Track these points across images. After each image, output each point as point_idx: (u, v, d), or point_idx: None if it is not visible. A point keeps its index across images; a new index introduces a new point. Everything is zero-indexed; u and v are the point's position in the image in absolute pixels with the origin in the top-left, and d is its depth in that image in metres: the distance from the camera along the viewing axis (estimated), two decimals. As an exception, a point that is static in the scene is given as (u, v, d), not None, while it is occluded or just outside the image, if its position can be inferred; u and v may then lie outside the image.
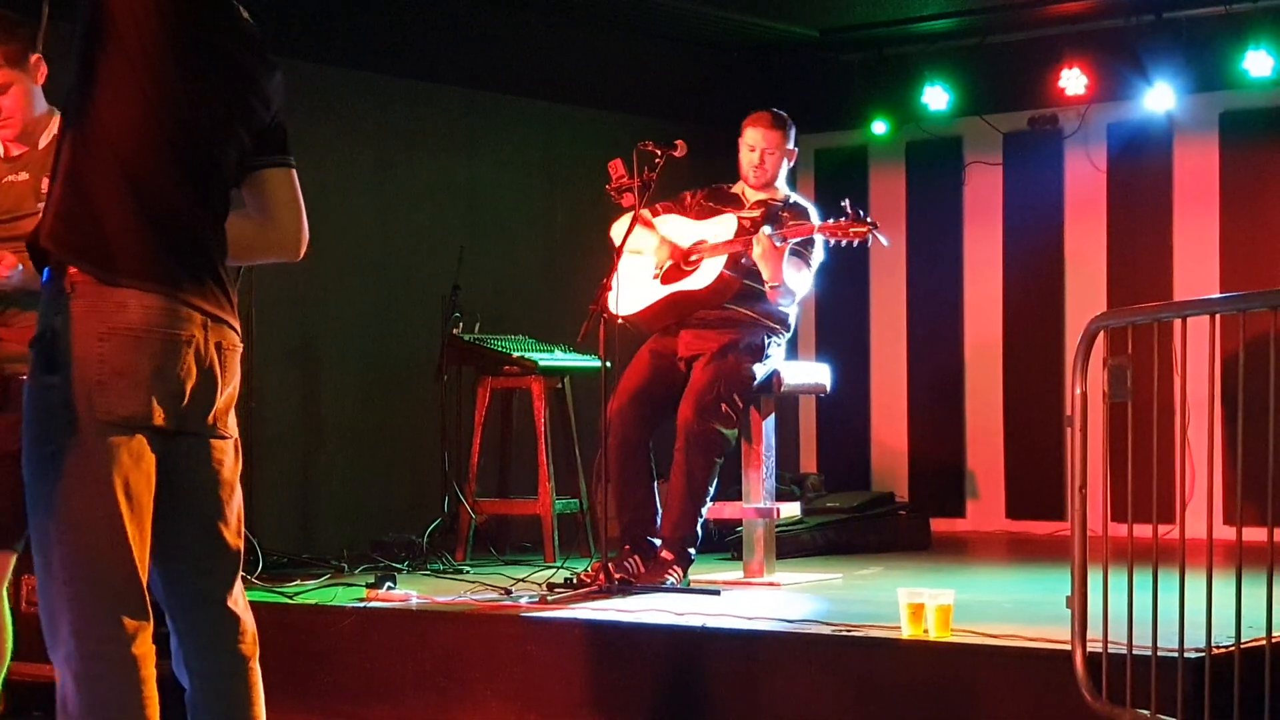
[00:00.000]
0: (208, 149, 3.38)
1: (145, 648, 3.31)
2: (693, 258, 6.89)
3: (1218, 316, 4.37)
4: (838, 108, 10.59)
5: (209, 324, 3.36)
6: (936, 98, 10.15)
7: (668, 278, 6.89)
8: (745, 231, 6.77)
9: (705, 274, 6.81)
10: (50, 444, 3.25)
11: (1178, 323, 4.55)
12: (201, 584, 3.47)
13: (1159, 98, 9.46)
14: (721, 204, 7.01)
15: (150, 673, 3.32)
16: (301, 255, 3.61)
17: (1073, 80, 9.65)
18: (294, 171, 3.59)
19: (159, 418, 3.30)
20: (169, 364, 3.30)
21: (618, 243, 6.96)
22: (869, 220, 6.57)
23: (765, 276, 6.68)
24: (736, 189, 7.05)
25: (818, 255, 6.86)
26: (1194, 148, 9.61)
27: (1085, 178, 9.94)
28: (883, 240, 6.60)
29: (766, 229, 6.63)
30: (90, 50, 3.30)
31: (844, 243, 6.64)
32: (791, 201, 6.98)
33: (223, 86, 3.41)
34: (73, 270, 3.26)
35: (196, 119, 3.36)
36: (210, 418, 3.41)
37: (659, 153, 6.76)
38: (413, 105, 9.01)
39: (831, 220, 6.63)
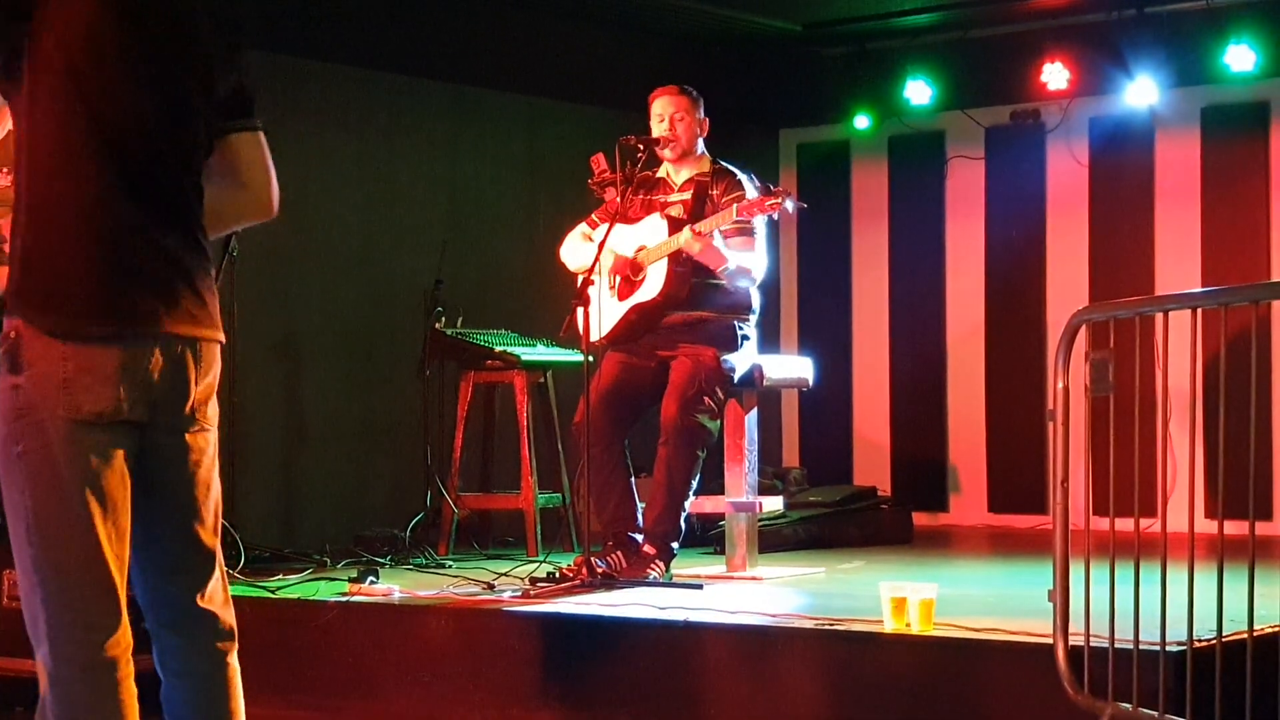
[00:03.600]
0: (161, 147, 3.33)
1: (120, 648, 3.28)
2: (639, 269, 6.86)
3: (1199, 311, 4.37)
4: (820, 102, 10.60)
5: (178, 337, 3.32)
6: (919, 92, 10.16)
7: (623, 292, 6.88)
8: (679, 227, 6.75)
9: (653, 281, 6.80)
10: (18, 445, 3.22)
11: (1159, 317, 4.55)
12: (174, 582, 3.43)
13: (1141, 92, 9.48)
14: (651, 191, 6.98)
15: (127, 672, 3.29)
16: (274, 214, 3.56)
17: (1055, 74, 9.66)
18: (261, 134, 3.53)
19: (128, 411, 3.26)
20: (136, 359, 3.26)
21: (571, 266, 6.99)
22: (780, 189, 6.61)
23: (711, 266, 6.69)
24: (662, 172, 7.03)
25: (761, 226, 6.83)
26: (1175, 142, 9.63)
27: (1067, 172, 9.96)
28: (789, 206, 6.57)
29: (689, 229, 6.62)
30: (20, 89, 3.26)
31: (764, 216, 6.66)
32: (719, 170, 6.94)
33: (163, 77, 3.34)
34: (21, 327, 3.22)
35: (144, 123, 3.30)
36: (187, 408, 3.36)
37: (640, 147, 6.77)
38: (395, 100, 8.99)
39: (745, 200, 6.63)
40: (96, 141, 3.25)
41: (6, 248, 3.83)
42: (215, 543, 3.46)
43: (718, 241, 6.67)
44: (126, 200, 3.26)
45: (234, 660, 3.50)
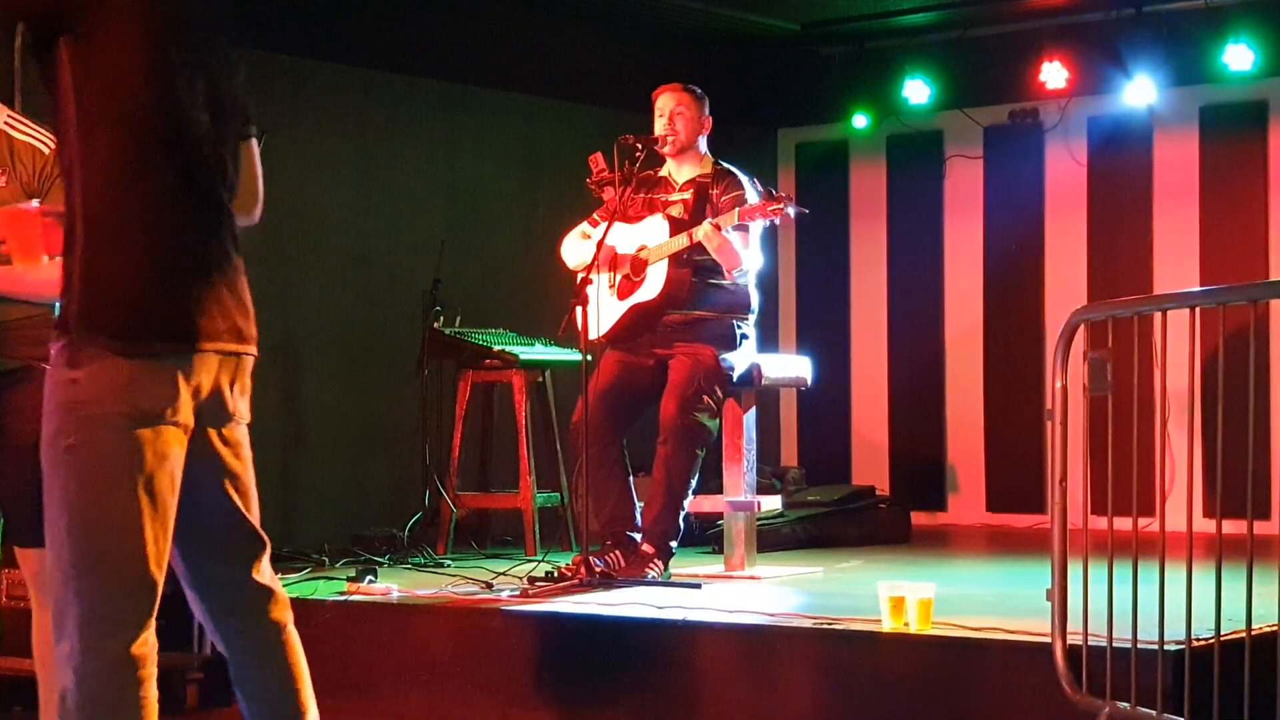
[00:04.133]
0: (207, 159, 3.40)
1: (147, 648, 3.33)
2: (640, 268, 6.86)
3: (1197, 310, 4.37)
4: (818, 101, 10.60)
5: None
6: (917, 91, 10.16)
7: (623, 292, 6.88)
8: (681, 228, 6.75)
9: (654, 281, 6.80)
10: (68, 438, 3.27)
11: (1158, 316, 4.56)
12: (231, 564, 3.54)
13: (1139, 91, 9.48)
14: (652, 190, 6.98)
15: (151, 672, 3.33)
16: (257, 219, 3.63)
17: (1053, 74, 9.66)
18: (254, 140, 3.60)
19: (180, 415, 3.33)
20: (190, 372, 3.35)
21: (570, 264, 6.98)
22: (782, 194, 6.59)
23: (725, 266, 6.70)
24: (663, 171, 7.03)
25: (755, 226, 6.82)
26: (1174, 141, 9.63)
27: (1066, 171, 9.96)
28: (790, 212, 6.57)
29: (707, 222, 6.62)
30: (72, 111, 3.30)
31: (767, 222, 6.65)
32: (720, 171, 6.94)
33: (205, 88, 3.41)
34: (82, 332, 3.29)
35: (193, 136, 3.37)
36: (229, 410, 3.47)
37: (639, 146, 6.77)
38: (393, 99, 8.99)
39: (748, 205, 6.63)
40: (153, 156, 3.31)
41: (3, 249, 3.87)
42: (257, 523, 3.58)
43: (736, 244, 6.66)
44: (181, 215, 3.34)
45: (293, 629, 3.62)
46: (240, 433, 3.54)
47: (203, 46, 3.42)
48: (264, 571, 3.58)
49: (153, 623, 3.34)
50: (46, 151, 4.46)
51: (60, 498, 3.28)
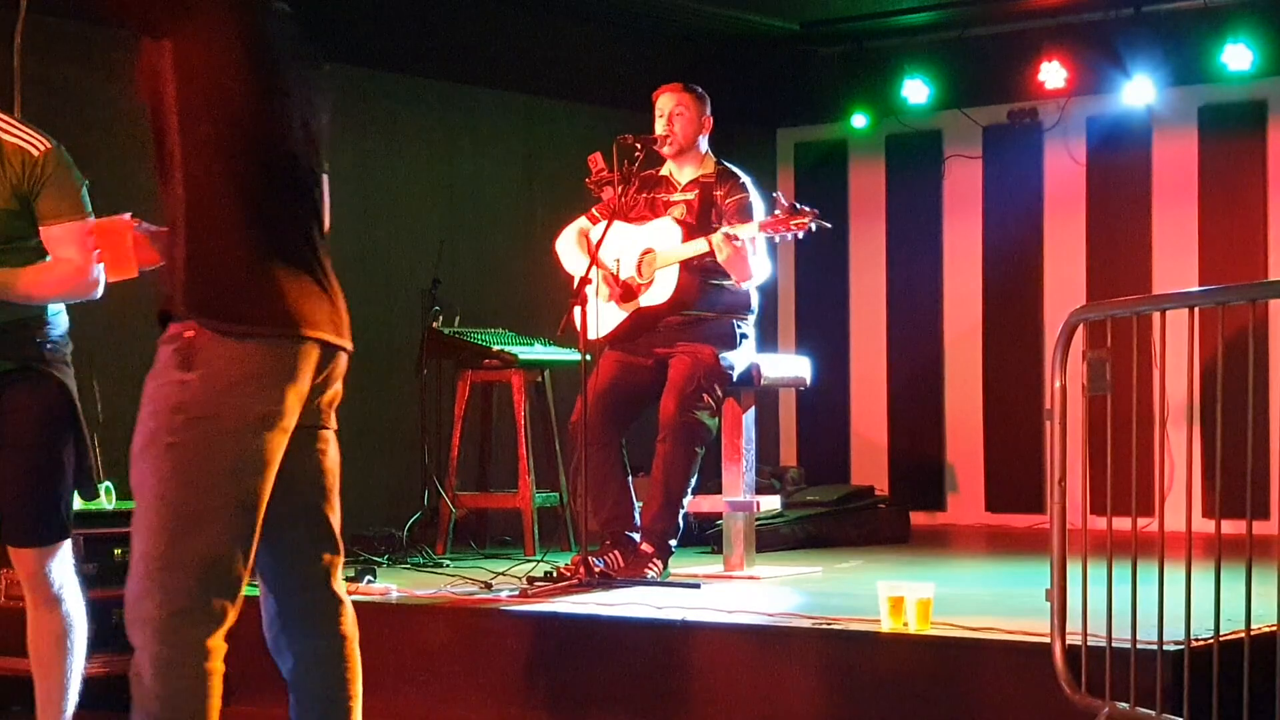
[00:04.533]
0: (304, 156, 3.56)
1: (220, 641, 3.40)
2: (644, 269, 6.84)
3: (1196, 310, 4.37)
4: (817, 101, 10.61)
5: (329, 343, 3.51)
6: (916, 91, 10.16)
7: (627, 294, 6.86)
8: (692, 231, 6.73)
9: (663, 285, 6.78)
10: (172, 436, 3.33)
11: (1157, 316, 4.55)
12: (311, 567, 3.61)
13: (1138, 91, 9.48)
14: (654, 191, 6.97)
15: (221, 667, 3.41)
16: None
17: (1052, 74, 9.66)
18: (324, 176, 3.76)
19: (286, 415, 3.41)
20: (299, 362, 3.44)
21: (566, 265, 6.98)
22: (807, 208, 6.55)
23: (736, 277, 6.69)
24: (664, 171, 7.02)
25: (763, 237, 6.79)
26: (1173, 141, 9.63)
27: (1064, 171, 9.96)
28: (813, 228, 6.53)
29: (723, 231, 6.59)
30: (172, 108, 3.38)
31: (789, 235, 6.61)
32: (723, 172, 6.92)
33: (298, 86, 3.55)
34: (196, 329, 3.37)
35: (293, 135, 3.52)
36: (323, 406, 3.58)
37: (638, 146, 6.76)
38: (391, 99, 8.99)
39: (769, 218, 6.60)
40: (258, 151, 3.43)
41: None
42: (339, 530, 3.67)
43: (746, 253, 6.63)
44: (286, 208, 3.48)
45: (356, 644, 3.70)
46: (330, 435, 3.64)
47: (297, 59, 3.54)
48: (339, 581, 3.66)
49: (231, 618, 3.41)
50: (36, 154, 4.46)
51: (155, 492, 3.34)
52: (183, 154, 3.40)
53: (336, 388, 3.62)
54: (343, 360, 3.60)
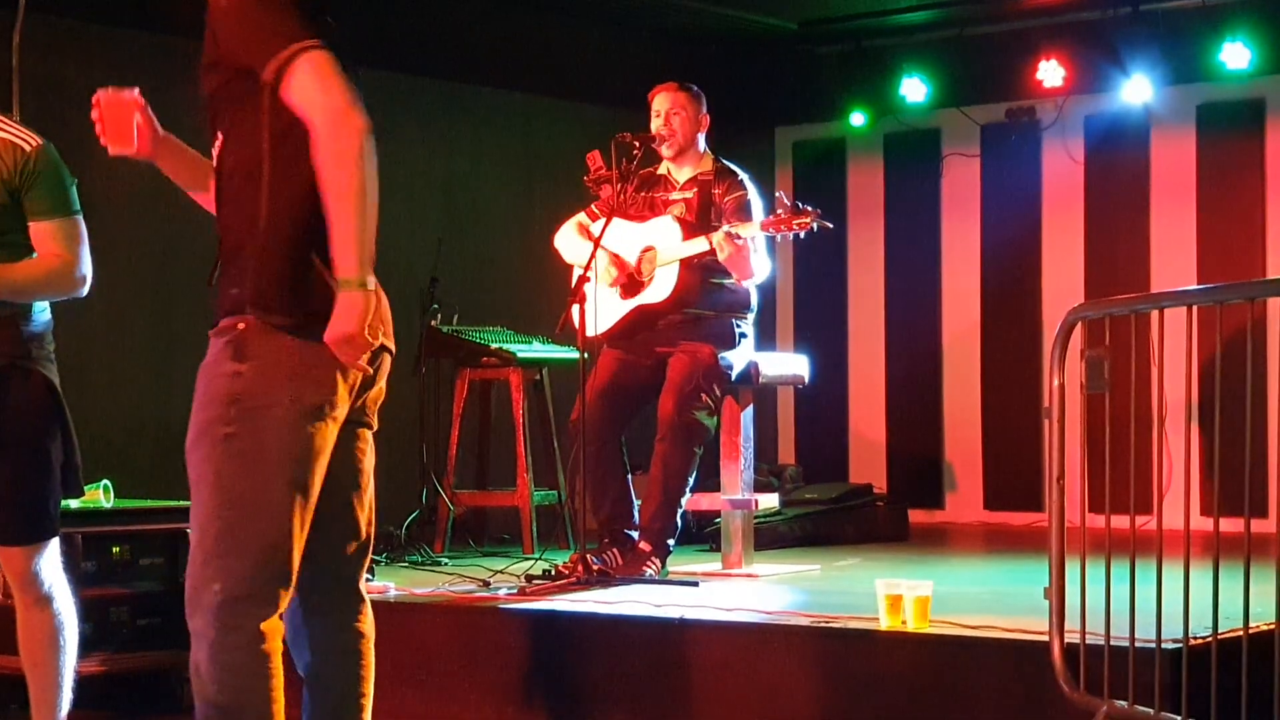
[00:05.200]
0: None
1: (277, 622, 3.47)
2: (644, 267, 6.84)
3: (1194, 308, 4.37)
4: (815, 100, 10.60)
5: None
6: (914, 90, 10.16)
7: (627, 291, 6.86)
8: (693, 230, 6.73)
9: (663, 283, 6.78)
10: (228, 426, 3.39)
11: (1155, 314, 4.55)
12: (338, 564, 3.66)
13: (1136, 90, 9.48)
14: (652, 189, 6.97)
15: (279, 646, 3.47)
16: None
17: (1050, 72, 9.67)
18: None
19: (338, 407, 3.49)
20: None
21: (566, 257, 6.97)
22: (809, 208, 6.55)
23: (737, 276, 6.69)
24: (662, 169, 7.01)
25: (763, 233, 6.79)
26: (1171, 140, 9.64)
27: (1063, 170, 9.96)
28: (815, 228, 6.53)
29: (724, 230, 6.59)
30: (264, 124, 3.44)
31: (790, 235, 6.61)
32: (721, 170, 6.92)
33: None
34: (251, 322, 3.42)
35: None
36: (368, 404, 3.65)
37: (636, 144, 6.76)
38: (389, 98, 8.97)
39: (771, 217, 6.60)
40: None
41: None
42: (371, 529, 3.74)
43: (747, 252, 6.62)
44: None
45: (372, 643, 3.76)
46: (369, 435, 3.70)
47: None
48: (363, 579, 3.73)
49: (285, 604, 3.48)
50: (27, 149, 4.47)
51: (213, 482, 3.40)
52: (272, 174, 3.46)
53: (381, 385, 3.70)
54: (387, 360, 3.69)
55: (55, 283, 4.52)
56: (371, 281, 3.43)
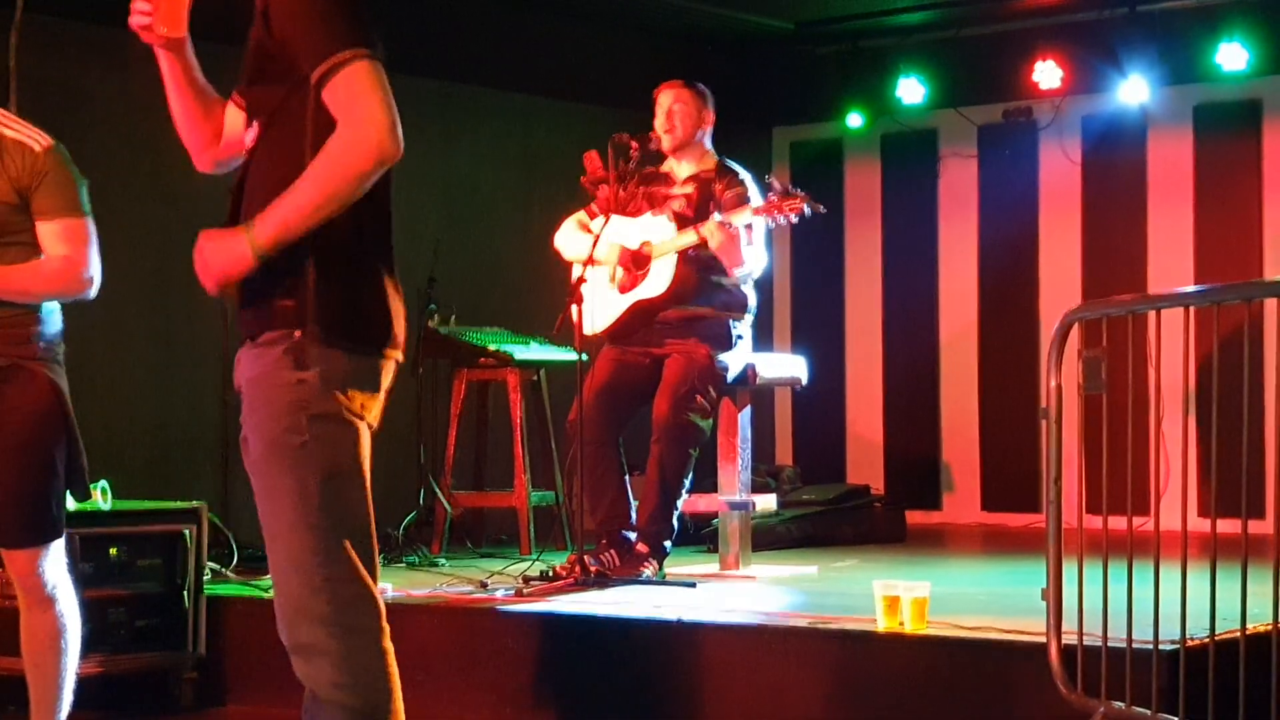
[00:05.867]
0: (390, 178, 3.62)
1: (385, 620, 3.48)
2: (643, 262, 6.84)
3: (1192, 309, 4.37)
4: (813, 100, 10.61)
5: None
6: (911, 90, 10.16)
7: (624, 286, 6.87)
8: (686, 224, 6.74)
9: (660, 277, 6.78)
10: (302, 435, 3.35)
11: (1152, 315, 4.55)
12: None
13: (1133, 90, 9.49)
14: (653, 185, 6.97)
15: (391, 645, 3.49)
16: None
17: (1047, 73, 9.67)
18: None
19: (376, 415, 3.52)
20: (389, 375, 3.57)
21: (566, 254, 6.97)
22: (800, 192, 6.55)
23: (728, 264, 6.68)
24: (665, 166, 7.02)
25: (759, 224, 6.79)
26: (1168, 140, 9.64)
27: (1060, 170, 9.96)
28: (807, 211, 6.52)
29: (715, 218, 6.60)
30: (308, 131, 3.43)
31: (783, 219, 6.60)
32: (723, 168, 6.93)
33: None
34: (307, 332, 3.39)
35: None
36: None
37: (634, 145, 6.76)
38: (387, 97, 8.97)
39: (764, 202, 6.61)
40: (378, 182, 3.51)
41: None
42: None
43: (740, 242, 6.63)
44: (385, 233, 3.58)
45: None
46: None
47: None
48: None
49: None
50: (37, 149, 4.46)
51: (296, 492, 3.36)
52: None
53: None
54: (394, 369, 3.69)
55: (61, 284, 4.52)
56: (262, 251, 3.34)
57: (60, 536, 4.55)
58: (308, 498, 3.36)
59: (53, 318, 4.58)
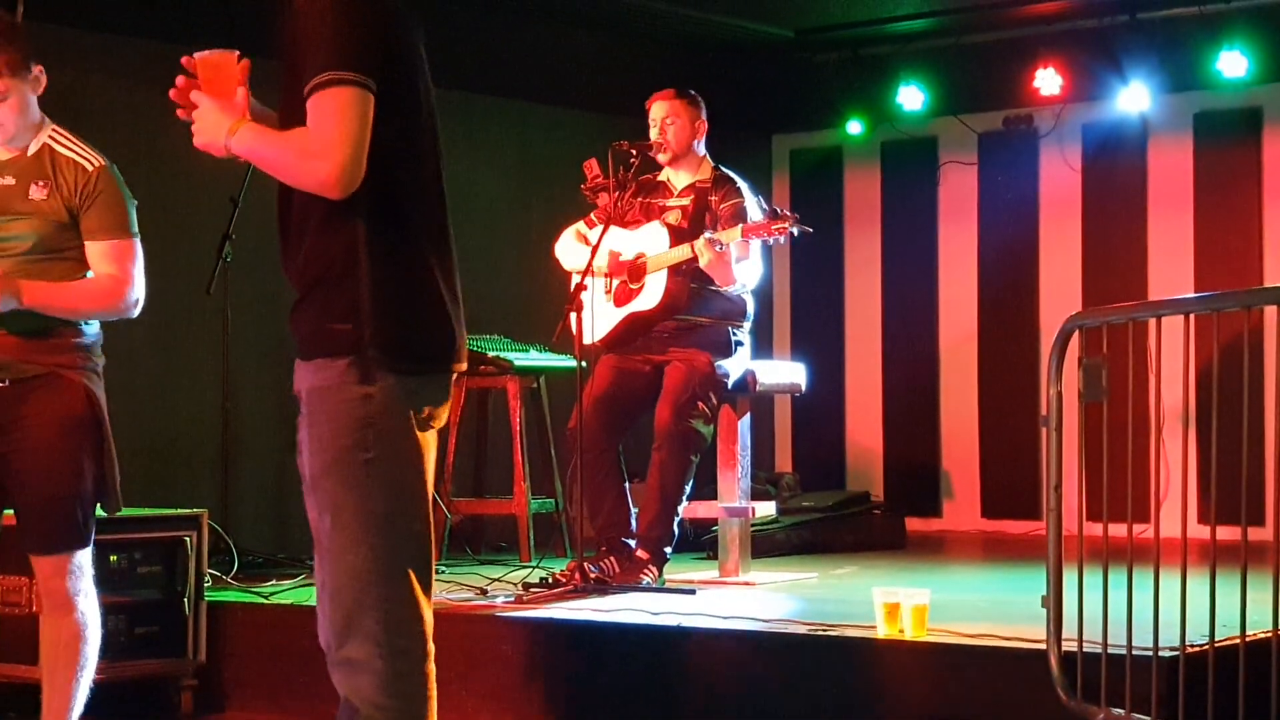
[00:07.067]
0: (443, 188, 3.70)
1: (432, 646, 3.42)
2: (638, 276, 6.85)
3: (1192, 316, 4.37)
4: (813, 108, 10.61)
5: None
6: (912, 98, 10.17)
7: (619, 298, 6.87)
8: (681, 237, 6.74)
9: (652, 291, 6.79)
10: (367, 451, 3.32)
11: (1152, 322, 4.56)
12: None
13: (1133, 98, 9.49)
14: (650, 195, 6.98)
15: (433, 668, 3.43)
16: None
17: (1048, 80, 9.68)
18: None
19: (441, 422, 3.50)
20: (449, 390, 3.55)
21: (565, 264, 6.97)
22: (789, 214, 6.58)
23: (718, 281, 6.69)
24: (662, 176, 7.03)
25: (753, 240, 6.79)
26: (1168, 148, 9.64)
27: (1060, 178, 9.97)
28: (795, 232, 6.55)
29: (705, 236, 6.60)
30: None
31: (771, 240, 6.63)
32: (719, 177, 6.94)
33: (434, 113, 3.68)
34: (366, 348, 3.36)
35: (442, 171, 3.69)
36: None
37: (634, 152, 6.76)
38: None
39: (753, 222, 6.63)
40: (426, 191, 3.61)
41: None
42: None
43: (731, 259, 6.63)
44: (443, 245, 3.60)
45: None
46: None
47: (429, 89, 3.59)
48: None
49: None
50: (90, 169, 4.49)
51: (362, 509, 3.32)
52: (368, 190, 3.43)
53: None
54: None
55: (107, 303, 4.54)
56: (240, 151, 3.40)
57: (87, 546, 4.54)
58: (369, 515, 3.32)
59: (91, 328, 4.61)
